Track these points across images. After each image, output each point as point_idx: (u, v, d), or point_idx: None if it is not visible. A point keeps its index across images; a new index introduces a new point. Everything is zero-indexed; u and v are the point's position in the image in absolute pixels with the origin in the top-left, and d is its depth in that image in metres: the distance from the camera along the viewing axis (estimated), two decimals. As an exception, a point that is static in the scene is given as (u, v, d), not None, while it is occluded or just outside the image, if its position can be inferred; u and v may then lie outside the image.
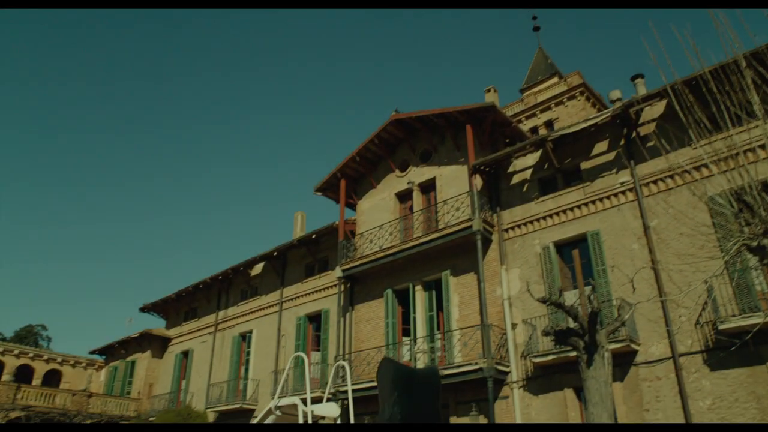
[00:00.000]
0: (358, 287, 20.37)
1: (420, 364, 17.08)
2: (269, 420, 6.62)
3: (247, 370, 24.48)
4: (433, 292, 18.13)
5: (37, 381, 32.56)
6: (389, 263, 18.75)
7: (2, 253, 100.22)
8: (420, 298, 18.33)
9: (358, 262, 19.51)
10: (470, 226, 16.44)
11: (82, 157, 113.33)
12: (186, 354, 28.24)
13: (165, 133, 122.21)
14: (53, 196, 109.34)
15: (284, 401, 6.45)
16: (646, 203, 14.52)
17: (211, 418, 24.20)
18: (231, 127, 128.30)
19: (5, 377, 31.50)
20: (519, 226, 16.74)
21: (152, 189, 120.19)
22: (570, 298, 14.77)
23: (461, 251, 17.33)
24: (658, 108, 14.86)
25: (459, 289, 17.25)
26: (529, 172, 17.18)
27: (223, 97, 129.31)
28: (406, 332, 18.62)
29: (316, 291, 22.42)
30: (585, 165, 16.02)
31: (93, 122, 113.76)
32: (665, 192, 14.28)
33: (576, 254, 15.79)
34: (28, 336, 57.49)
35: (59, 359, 34.50)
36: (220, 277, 26.56)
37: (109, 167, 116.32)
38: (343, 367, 7.10)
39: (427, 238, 17.57)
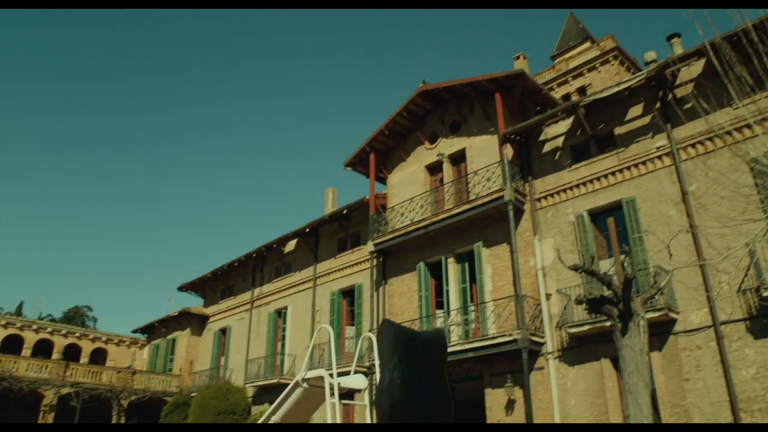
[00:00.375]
0: (391, 261, 20.33)
1: (454, 337, 17.03)
2: (296, 393, 6.63)
3: (283, 345, 24.83)
4: (466, 264, 17.97)
5: (84, 359, 33.69)
6: (421, 236, 18.63)
7: (52, 239, 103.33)
8: (452, 270, 18.20)
9: (390, 236, 19.45)
10: (501, 197, 16.18)
11: (119, 144, 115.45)
12: (224, 331, 28.76)
13: (195, 115, 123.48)
14: (92, 183, 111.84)
15: (311, 374, 6.43)
16: (684, 167, 14.03)
17: (250, 392, 24.66)
18: (262, 105, 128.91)
19: (55, 356, 32.65)
20: (551, 195, 16.41)
21: (186, 171, 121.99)
22: (605, 267, 14.46)
23: (493, 222, 17.11)
24: (695, 68, 14.27)
25: (492, 260, 17.06)
26: (561, 139, 16.77)
27: (251, 76, 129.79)
28: (439, 305, 18.55)
29: (349, 266, 22.48)
30: (619, 130, 15.54)
31: (127, 108, 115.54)
32: (704, 155, 13.77)
33: (611, 222, 15.42)
34: (75, 317, 59.45)
35: (104, 338, 35.58)
36: (254, 255, 26.86)
37: (145, 151, 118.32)
38: (370, 339, 7.02)
39: (458, 210, 17.38)
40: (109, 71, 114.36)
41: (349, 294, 22.41)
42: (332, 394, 5.76)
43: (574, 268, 8.81)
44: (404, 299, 19.42)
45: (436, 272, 18.77)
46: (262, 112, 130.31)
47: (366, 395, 6.46)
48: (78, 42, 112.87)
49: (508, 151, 17.08)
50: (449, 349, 16.20)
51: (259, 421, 6.95)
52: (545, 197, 16.54)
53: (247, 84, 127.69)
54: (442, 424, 2.30)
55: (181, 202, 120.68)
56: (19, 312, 55.36)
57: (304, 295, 24.34)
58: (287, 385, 23.04)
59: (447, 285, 18.08)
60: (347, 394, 7.10)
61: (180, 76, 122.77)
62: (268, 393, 23.89)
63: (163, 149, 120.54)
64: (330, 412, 5.83)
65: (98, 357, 34.88)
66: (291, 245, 25.91)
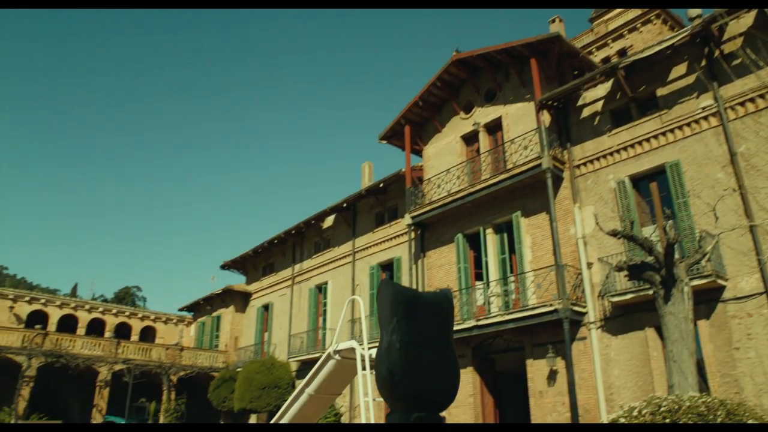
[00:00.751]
0: (429, 233, 20.18)
1: (494, 308, 16.87)
2: (329, 365, 6.60)
3: (324, 320, 25.07)
4: (505, 235, 17.68)
5: (134, 337, 34.80)
6: (458, 207, 18.40)
7: (104, 225, 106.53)
8: (491, 241, 17.95)
9: (427, 208, 19.28)
10: (539, 165, 15.79)
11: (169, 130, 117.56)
12: (266, 307, 29.21)
13: (234, 94, 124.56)
14: (140, 172, 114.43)
15: (342, 345, 6.39)
16: (732, 127, 13.36)
17: (293, 367, 25.05)
18: (299, 81, 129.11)
19: (107, 334, 33.80)
20: (591, 162, 15.92)
21: (225, 150, 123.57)
22: (649, 234, 13.99)
23: (531, 191, 16.74)
24: (745, 20, 13.50)
25: (531, 230, 16.74)
26: (600, 103, 16.20)
27: (285, 52, 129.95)
28: (478, 276, 18.37)
29: (387, 240, 22.43)
30: (661, 91, 14.90)
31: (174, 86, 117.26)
32: (755, 113, 13.07)
33: (654, 188, 14.87)
34: (125, 297, 61.51)
35: (152, 317, 36.63)
36: (293, 232, 27.08)
37: (190, 134, 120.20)
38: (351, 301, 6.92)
39: (495, 180, 17.06)
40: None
41: (388, 268, 22.40)
42: (363, 366, 5.70)
43: (613, 234, 8.50)
44: (443, 271, 19.30)
45: (475, 243, 18.55)
46: (299, 88, 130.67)
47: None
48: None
49: (546, 117, 16.62)
50: (489, 321, 16.12)
51: (294, 392, 6.98)
52: (585, 164, 16.06)
53: (282, 61, 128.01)
54: (451, 362, 2.12)
55: (221, 183, 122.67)
56: (73, 293, 57.56)
57: (343, 270, 24.45)
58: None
59: (486, 256, 17.85)
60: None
61: (217, 59, 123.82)
62: (311, 367, 24.12)
63: (200, 130, 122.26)
64: (362, 382, 5.77)
65: (147, 335, 35.96)
66: (329, 221, 25.99)
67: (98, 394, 26.73)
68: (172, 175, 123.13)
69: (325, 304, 25.33)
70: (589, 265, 15.24)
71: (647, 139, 14.85)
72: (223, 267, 32.47)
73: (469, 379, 17.31)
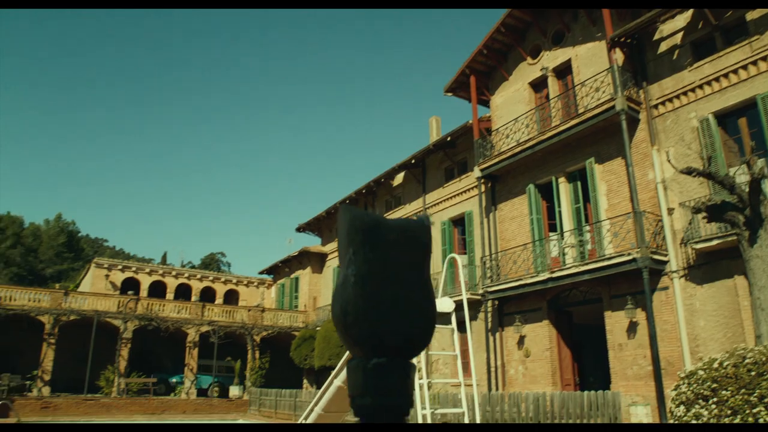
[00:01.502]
0: (499, 186, 19.62)
1: (569, 260, 16.27)
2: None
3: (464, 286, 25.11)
4: (578, 183, 16.90)
5: (218, 300, 36.31)
6: (528, 157, 17.72)
7: (191, 194, 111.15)
8: (564, 190, 17.22)
9: (496, 160, 18.69)
10: (613, 107, 14.85)
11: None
12: (342, 267, 29.59)
13: (297, 59, 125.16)
14: (218, 144, 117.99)
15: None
16: (833, 51, 11.99)
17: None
18: (363, 41, 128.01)
19: (193, 298, 35.45)
20: (670, 100, 14.80)
21: (294, 115, 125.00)
22: (737, 175, 12.92)
23: (605, 136, 15.83)
24: None
25: (606, 176, 15.89)
26: (679, 36, 14.94)
27: (348, 8, 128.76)
28: (552, 227, 17.74)
29: (458, 194, 22.01)
30: (751, 15, 13.52)
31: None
32: None
33: (743, 123, 13.66)
34: (211, 263, 64.31)
35: (235, 280, 38.06)
36: (364, 191, 27.11)
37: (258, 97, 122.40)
38: (455, 260, 6.64)
39: (566, 126, 16.23)
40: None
41: (460, 222, 22.04)
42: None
43: (687, 172, 7.82)
44: (515, 224, 18.76)
45: (547, 193, 17.87)
46: (364, 46, 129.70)
47: (453, 318, 6.14)
48: None
49: (618, 56, 15.53)
50: (564, 272, 15.56)
51: (342, 361, 6.91)
52: (663, 103, 14.96)
53: (346, 19, 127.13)
54: (428, 323, 1.77)
55: (293, 146, 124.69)
56: (164, 261, 60.68)
57: (414, 227, 24.27)
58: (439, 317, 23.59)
59: (559, 206, 17.17)
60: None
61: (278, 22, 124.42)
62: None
63: (273, 94, 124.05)
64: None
65: (231, 298, 37.45)
66: (399, 178, 25.80)
67: (188, 354, 28.19)
68: (248, 141, 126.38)
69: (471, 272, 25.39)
70: (670, 210, 14.32)
71: (734, 71, 13.59)
72: (299, 230, 33.10)
73: (545, 333, 16.90)
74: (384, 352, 1.65)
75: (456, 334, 6.14)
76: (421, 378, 5.46)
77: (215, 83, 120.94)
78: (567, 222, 16.90)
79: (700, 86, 14.17)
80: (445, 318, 7.31)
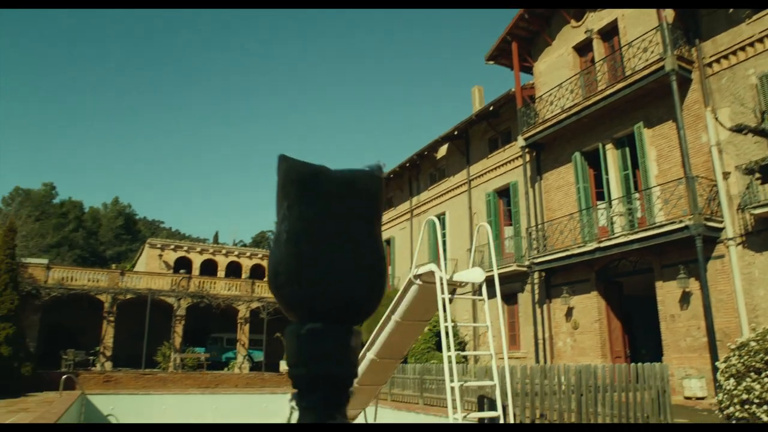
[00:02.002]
0: (544, 155, 19.07)
1: (617, 229, 15.71)
2: (412, 291, 6.32)
3: (444, 251, 24.95)
4: (626, 149, 16.24)
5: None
6: (574, 124, 17.11)
7: (244, 177, 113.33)
8: (612, 157, 16.58)
9: (540, 128, 18.14)
10: (662, 67, 14.10)
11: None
12: (388, 242, 29.56)
13: (346, 37, 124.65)
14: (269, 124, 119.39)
15: (422, 269, 6.06)
16: None
17: (417, 298, 25.34)
18: (401, 15, 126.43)
19: (244, 276, 36.16)
20: (726, 57, 13.93)
21: (334, 91, 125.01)
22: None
23: (654, 98, 15.10)
24: None
25: (655, 141, 15.20)
26: (735, -13, 14.00)
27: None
28: (599, 196, 17.16)
29: (502, 165, 21.53)
30: (813, -38, 12.55)
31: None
32: None
33: (805, 79, 12.77)
34: (262, 241, 65.48)
35: (283, 256, 38.68)
36: (408, 165, 26.89)
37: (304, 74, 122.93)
38: (486, 228, 6.41)
39: (613, 90, 15.55)
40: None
41: (505, 193, 21.59)
42: (443, 290, 5.36)
43: (738, 129, 7.32)
44: (561, 193, 18.24)
45: (594, 161, 17.26)
46: (403, 21, 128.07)
47: (484, 289, 5.95)
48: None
49: (668, 13, 14.71)
50: (612, 242, 15.04)
51: (382, 320, 6.84)
52: (718, 60, 14.11)
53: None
54: (375, 267, 1.54)
55: (335, 124, 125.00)
56: (215, 240, 62.10)
57: (460, 199, 23.97)
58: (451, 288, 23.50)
59: (606, 174, 16.58)
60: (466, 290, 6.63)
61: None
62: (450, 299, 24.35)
63: (307, 71, 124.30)
64: (441, 308, 5.44)
65: (281, 274, 38.04)
66: (443, 150, 25.43)
67: (240, 330, 28.85)
68: (294, 119, 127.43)
69: (444, 235, 25.15)
70: (726, 175, 13.58)
71: (795, 23, 12.67)
72: (344, 205, 33.19)
73: (593, 304, 16.46)
74: (319, 317, 1.45)
75: (487, 305, 5.94)
76: (449, 349, 5.32)
77: (261, 62, 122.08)
78: (615, 190, 16.31)
79: (760, 40, 13.28)
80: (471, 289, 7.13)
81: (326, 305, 1.48)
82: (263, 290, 29.92)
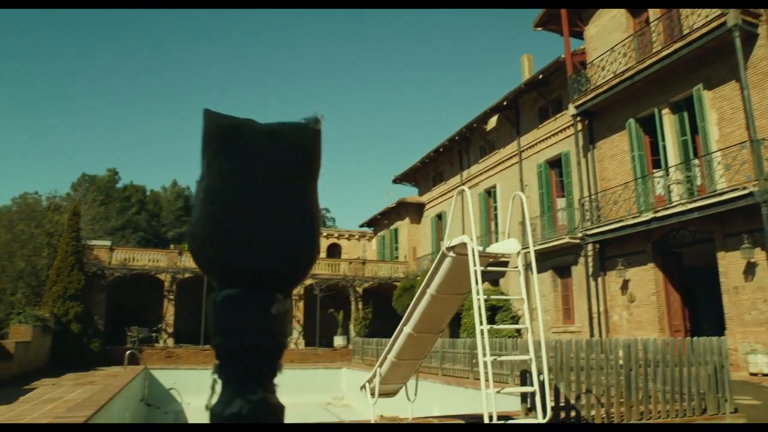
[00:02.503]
0: (597, 123, 18.34)
1: (675, 197, 14.97)
2: (446, 264, 6.14)
3: (496, 224, 24.57)
4: (684, 114, 15.39)
5: (321, 254, 37.30)
6: (628, 89, 16.35)
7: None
8: (669, 122, 15.77)
9: (592, 95, 17.43)
10: (724, 23, 13.21)
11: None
12: (439, 216, 29.33)
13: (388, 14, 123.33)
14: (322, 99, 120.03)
15: (454, 241, 5.86)
16: None
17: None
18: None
19: (298, 252, 36.71)
20: (794, 9, 12.94)
21: (381, 70, 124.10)
22: None
23: (715, 58, 14.19)
24: None
25: (716, 103, 14.33)
26: (804, -68, 12.93)
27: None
28: (656, 164, 16.39)
29: (553, 134, 20.87)
30: None
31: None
32: None
33: None
34: (317, 218, 66.33)
35: (336, 234, 38.93)
36: (457, 138, 26.48)
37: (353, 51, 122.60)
38: (520, 197, 6.13)
39: (669, 51, 14.72)
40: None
41: (557, 164, 20.95)
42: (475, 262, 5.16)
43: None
44: (615, 162, 17.52)
45: (650, 127, 16.46)
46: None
47: (519, 261, 5.70)
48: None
49: (730, -37, 13.73)
50: (670, 211, 14.36)
51: (417, 293, 6.71)
52: (785, 13, 13.12)
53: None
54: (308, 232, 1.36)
55: (384, 100, 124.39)
56: (272, 218, 63.20)
57: (510, 171, 23.44)
58: (504, 263, 23.13)
59: (663, 140, 15.80)
60: (500, 263, 6.39)
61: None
62: (485, 273, 24.01)
63: (357, 48, 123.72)
64: (473, 280, 5.25)
65: (333, 251, 38.37)
66: (492, 122, 24.86)
67: (295, 307, 29.31)
68: (348, 97, 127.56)
69: (495, 208, 24.73)
70: (794, 136, 12.70)
71: None
72: (395, 181, 33.06)
73: (650, 276, 15.83)
74: (237, 283, 1.29)
75: (522, 277, 5.71)
76: (481, 324, 5.14)
77: (310, 41, 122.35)
78: (672, 157, 15.53)
79: (830, -11, 12.26)
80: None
81: (244, 270, 1.32)
82: (316, 267, 30.31)
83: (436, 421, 7.66)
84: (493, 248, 6.03)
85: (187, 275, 27.62)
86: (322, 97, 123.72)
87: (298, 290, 29.37)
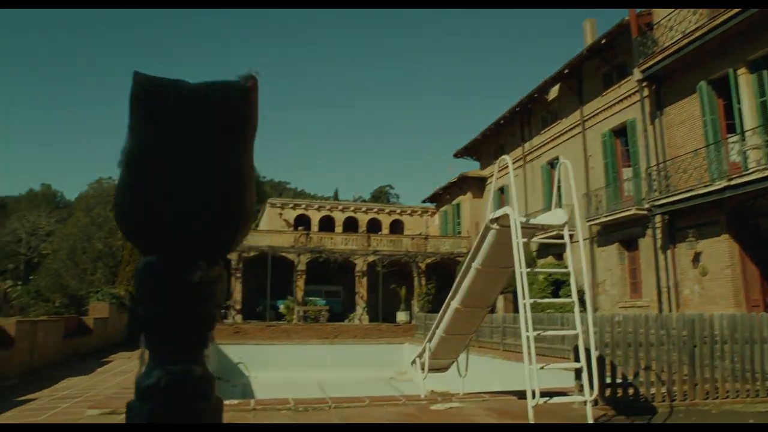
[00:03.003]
0: (665, 87, 17.35)
1: (752, 164, 14.00)
2: (490, 236, 5.93)
3: (560, 196, 23.77)
4: (764, 72, 14.30)
5: (384, 231, 37.39)
6: (698, 50, 15.33)
7: (363, 132, 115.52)
8: (745, 82, 14.71)
9: (659, 58, 16.48)
10: (804, -28, 12.15)
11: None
12: (502, 190, 28.75)
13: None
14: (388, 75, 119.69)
15: (498, 212, 5.65)
16: None
17: (533, 246, 24.51)
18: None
19: (360, 230, 36.91)
20: None
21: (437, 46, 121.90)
22: None
23: (796, 10, 13.08)
24: None
25: (798, 60, 13.25)
26: None
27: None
28: (730, 128, 15.38)
29: (618, 102, 19.91)
30: None
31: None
32: None
33: None
34: (380, 196, 66.55)
35: (399, 210, 38.90)
36: (518, 109, 25.76)
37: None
38: (566, 166, 5.83)
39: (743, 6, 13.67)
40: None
41: (622, 133, 20.02)
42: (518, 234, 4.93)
43: None
44: (685, 128, 16.56)
45: (723, 90, 15.42)
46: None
47: (566, 232, 5.43)
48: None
49: None
50: (745, 179, 13.46)
51: (463, 267, 6.56)
52: None
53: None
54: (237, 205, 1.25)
55: (445, 69, 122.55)
56: (336, 197, 63.88)
57: (573, 141, 22.62)
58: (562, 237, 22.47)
59: (738, 102, 14.77)
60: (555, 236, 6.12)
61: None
62: (551, 246, 23.44)
63: (417, 23, 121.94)
64: (516, 253, 5.03)
65: (396, 228, 38.37)
66: (554, 91, 24.00)
67: (358, 283, 29.60)
68: (407, 73, 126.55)
69: (558, 180, 23.96)
70: None
71: None
72: (456, 155, 32.62)
73: (724, 248, 14.97)
74: (157, 250, 1.20)
75: (569, 248, 5.43)
76: (524, 298, 4.93)
77: (372, 20, 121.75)
78: (749, 120, 14.50)
79: None
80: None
81: (162, 237, 1.23)
82: (380, 243, 30.43)
83: (487, 397, 7.51)
84: (537, 219, 5.78)
85: (252, 253, 28.30)
86: (385, 75, 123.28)
87: (361, 266, 29.60)
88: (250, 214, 1.25)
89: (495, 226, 5.69)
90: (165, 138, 1.16)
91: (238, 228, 1.23)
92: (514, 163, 27.44)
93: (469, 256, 6.35)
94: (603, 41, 19.32)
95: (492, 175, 29.84)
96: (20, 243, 49.51)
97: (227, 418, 6.78)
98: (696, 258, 15.80)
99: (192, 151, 1.17)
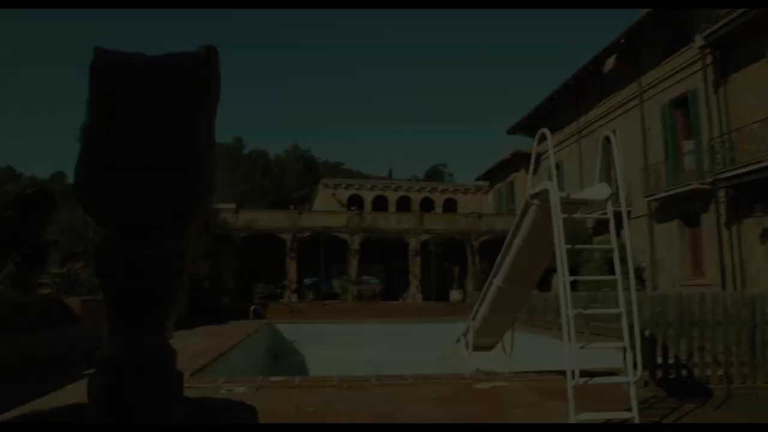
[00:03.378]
0: (730, 53, 16.43)
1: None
2: (530, 213, 5.76)
3: (616, 173, 23.07)
4: (838, 34, 13.37)
5: (438, 209, 37.21)
6: None
7: (417, 112, 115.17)
8: (818, 46, 13.79)
9: (724, 21, 15.61)
10: None
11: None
12: (557, 166, 28.04)
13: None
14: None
15: (537, 188, 5.46)
16: None
17: (588, 223, 23.89)
18: None
19: (413, 209, 36.87)
20: None
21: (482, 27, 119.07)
22: None
23: None
24: None
25: None
26: None
27: None
28: (802, 95, 14.47)
29: (678, 71, 18.99)
30: None
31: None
32: None
33: None
34: (435, 174, 66.18)
35: (452, 189, 38.58)
36: (572, 82, 24.96)
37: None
38: (608, 139, 5.58)
39: (816, -39, 12.74)
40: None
41: (683, 104, 19.11)
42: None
43: None
44: (755, 97, 15.65)
45: (794, 53, 14.51)
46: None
47: (609, 207, 5.20)
48: None
49: None
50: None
51: (505, 244, 6.42)
52: None
53: None
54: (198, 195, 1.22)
55: (498, 41, 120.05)
56: (390, 176, 63.88)
57: (631, 114, 21.80)
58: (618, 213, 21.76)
59: (811, 67, 13.87)
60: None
61: None
62: (606, 223, 22.79)
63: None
64: (556, 231, 4.86)
65: (449, 206, 38.11)
66: (610, 63, 23.09)
67: (411, 262, 29.60)
68: (457, 51, 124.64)
69: (607, 155, 23.20)
70: None
71: None
72: (510, 131, 32.00)
73: (793, 223, 14.17)
74: (113, 225, 1.18)
75: (612, 224, 5.21)
76: (563, 275, 4.77)
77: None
78: (822, 85, 13.60)
79: None
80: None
81: (116, 210, 1.21)
82: (433, 222, 30.32)
83: (533, 376, 7.38)
84: (579, 194, 5.56)
85: (306, 234, 28.68)
86: (435, 54, 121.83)
87: (414, 245, 29.57)
88: (210, 185, 1.22)
89: (535, 202, 5.51)
90: (118, 113, 1.14)
91: (200, 201, 1.20)
92: (568, 139, 26.75)
93: (510, 232, 6.19)
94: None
95: (546, 151, 29.16)
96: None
97: (273, 395, 6.91)
98: (764, 234, 15.03)
99: (148, 122, 1.15)
